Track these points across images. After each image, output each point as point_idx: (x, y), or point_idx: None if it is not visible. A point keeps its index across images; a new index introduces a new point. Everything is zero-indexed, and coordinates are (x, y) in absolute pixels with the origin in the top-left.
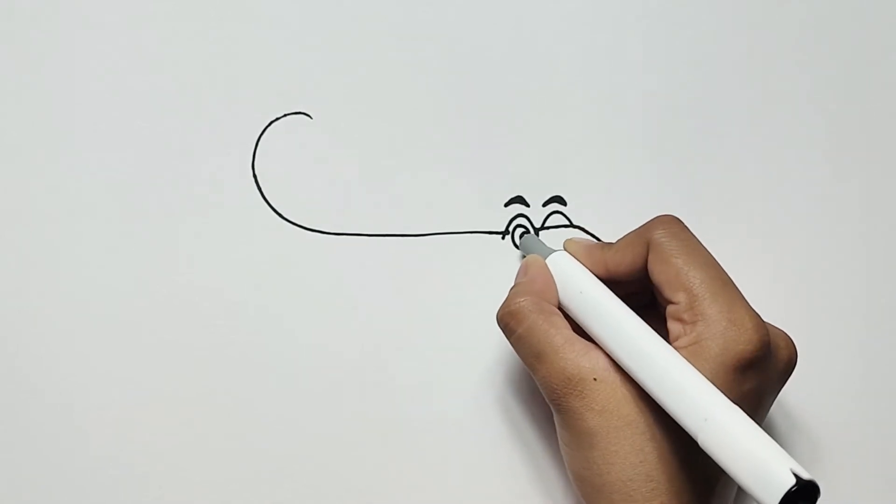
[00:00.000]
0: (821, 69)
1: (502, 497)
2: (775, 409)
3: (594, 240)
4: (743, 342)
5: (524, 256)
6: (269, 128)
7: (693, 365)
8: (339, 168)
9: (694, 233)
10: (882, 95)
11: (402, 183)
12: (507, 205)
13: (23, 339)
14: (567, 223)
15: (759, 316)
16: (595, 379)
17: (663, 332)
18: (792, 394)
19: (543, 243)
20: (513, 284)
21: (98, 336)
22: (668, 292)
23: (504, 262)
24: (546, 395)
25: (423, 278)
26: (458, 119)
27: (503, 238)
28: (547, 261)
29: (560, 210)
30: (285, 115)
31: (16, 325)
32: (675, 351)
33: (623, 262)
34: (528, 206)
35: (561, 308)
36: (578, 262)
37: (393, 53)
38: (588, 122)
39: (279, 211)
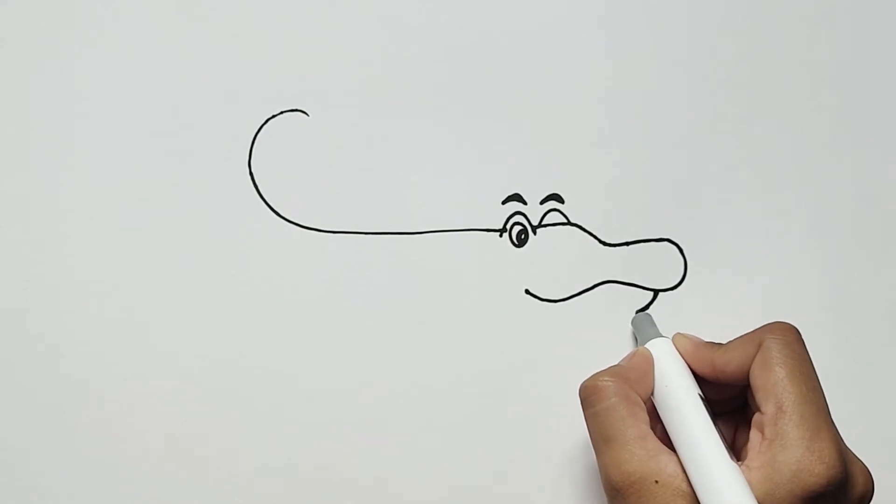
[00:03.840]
0: (820, 69)
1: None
2: None
3: (701, 338)
4: (816, 474)
5: (634, 334)
6: (266, 125)
7: (761, 486)
8: (335, 166)
9: (807, 350)
10: (882, 95)
11: (398, 181)
12: (504, 202)
13: (22, 340)
14: (564, 221)
15: (840, 448)
16: (656, 482)
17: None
18: None
19: (655, 325)
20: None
21: (94, 334)
22: (760, 399)
23: (501, 259)
24: (603, 483)
25: (421, 276)
26: (455, 117)
27: (500, 236)
28: (648, 345)
29: (557, 208)
30: (282, 113)
31: (15, 325)
32: (736, 468)
33: (731, 363)
34: (525, 203)
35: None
36: (678, 355)
37: (390, 50)
38: (586, 119)
39: (275, 209)
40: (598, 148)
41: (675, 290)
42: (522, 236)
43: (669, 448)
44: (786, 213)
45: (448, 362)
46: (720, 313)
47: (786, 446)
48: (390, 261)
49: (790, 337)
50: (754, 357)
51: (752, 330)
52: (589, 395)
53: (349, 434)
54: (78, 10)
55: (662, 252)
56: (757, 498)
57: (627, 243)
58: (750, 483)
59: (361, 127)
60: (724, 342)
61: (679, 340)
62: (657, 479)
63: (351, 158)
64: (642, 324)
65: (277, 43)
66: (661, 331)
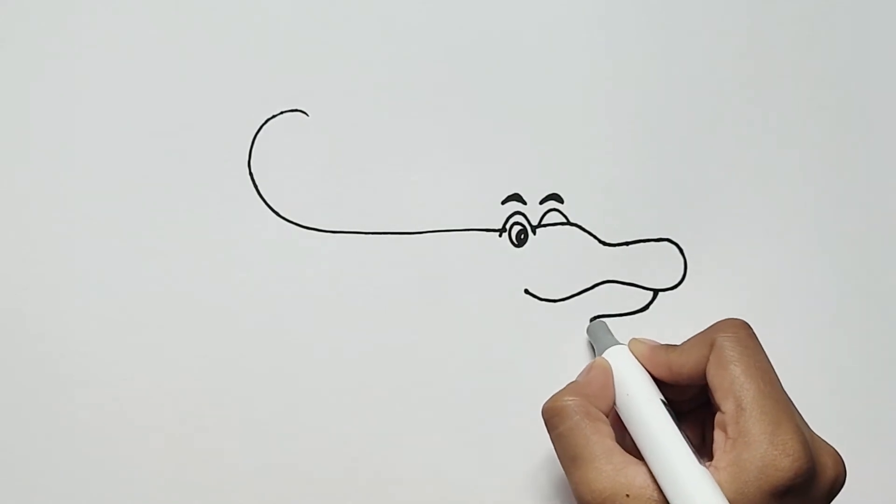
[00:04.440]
0: (820, 69)
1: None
2: None
3: (656, 341)
4: (783, 468)
5: (591, 342)
6: (266, 125)
7: (730, 485)
8: (335, 166)
9: (760, 343)
10: (882, 95)
11: (398, 180)
12: (504, 202)
13: (22, 340)
14: (564, 221)
15: (803, 439)
16: (627, 495)
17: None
18: None
19: (610, 333)
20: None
21: (94, 334)
22: (719, 399)
23: (501, 259)
24: (576, 501)
25: (421, 276)
26: (454, 116)
27: (500, 236)
28: (604, 354)
29: (557, 208)
30: (282, 113)
31: (15, 325)
32: (705, 471)
33: (687, 364)
34: (524, 203)
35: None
36: (636, 362)
37: (390, 50)
38: (586, 119)
39: (275, 209)
40: (598, 148)
41: (675, 290)
42: (522, 236)
43: (638, 457)
44: (786, 213)
45: (448, 362)
46: (720, 313)
47: (749, 444)
48: (390, 261)
49: (741, 333)
50: (708, 357)
51: (703, 330)
52: (551, 417)
53: (349, 434)
54: (78, 10)
55: (662, 252)
56: (728, 498)
57: (627, 243)
58: (719, 483)
59: (361, 127)
60: (678, 343)
61: (635, 346)
62: (628, 492)
63: (351, 158)
64: (598, 332)
65: (277, 43)
66: (645, 334)
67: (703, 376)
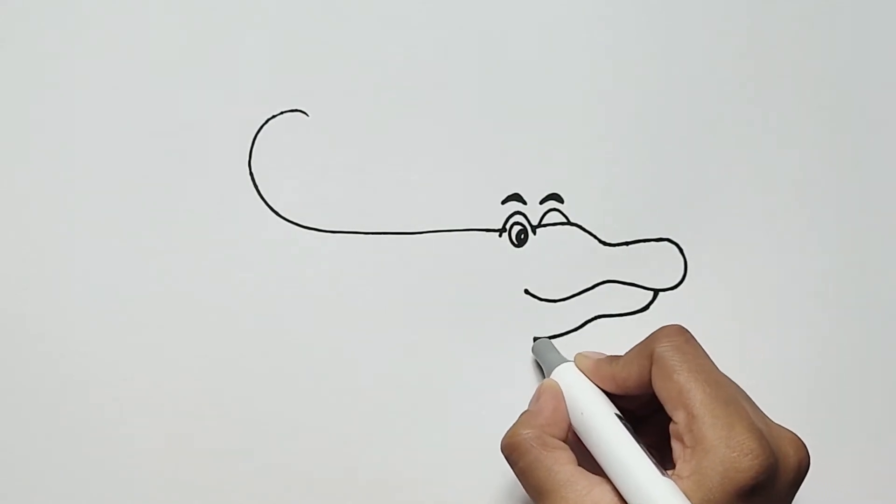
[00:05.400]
0: (820, 69)
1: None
2: None
3: (603, 353)
4: (744, 469)
5: (537, 362)
6: (266, 125)
7: (696, 494)
8: (335, 166)
9: (700, 344)
10: (882, 95)
11: (398, 181)
12: (504, 202)
13: (22, 340)
14: (564, 221)
15: (760, 435)
16: None
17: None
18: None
19: (556, 350)
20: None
21: (94, 334)
22: (670, 410)
23: (501, 259)
24: None
25: (421, 276)
26: (455, 116)
27: (500, 236)
28: (553, 375)
29: (557, 207)
30: (282, 113)
31: (15, 325)
32: (669, 483)
33: (630, 377)
34: (525, 203)
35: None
36: (584, 378)
37: (390, 50)
38: (586, 119)
39: (275, 209)
40: (598, 148)
41: (675, 290)
42: (522, 236)
43: (603, 474)
44: (786, 213)
45: (448, 362)
46: (720, 313)
47: (707, 450)
48: (390, 261)
49: (679, 340)
50: (650, 369)
51: (641, 340)
52: (511, 453)
53: (349, 434)
54: (78, 10)
55: (662, 252)
56: None
57: (627, 243)
58: (685, 492)
59: (361, 127)
60: (622, 354)
61: (581, 361)
62: None
63: (351, 158)
64: (543, 351)
65: (277, 43)
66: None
67: (650, 386)
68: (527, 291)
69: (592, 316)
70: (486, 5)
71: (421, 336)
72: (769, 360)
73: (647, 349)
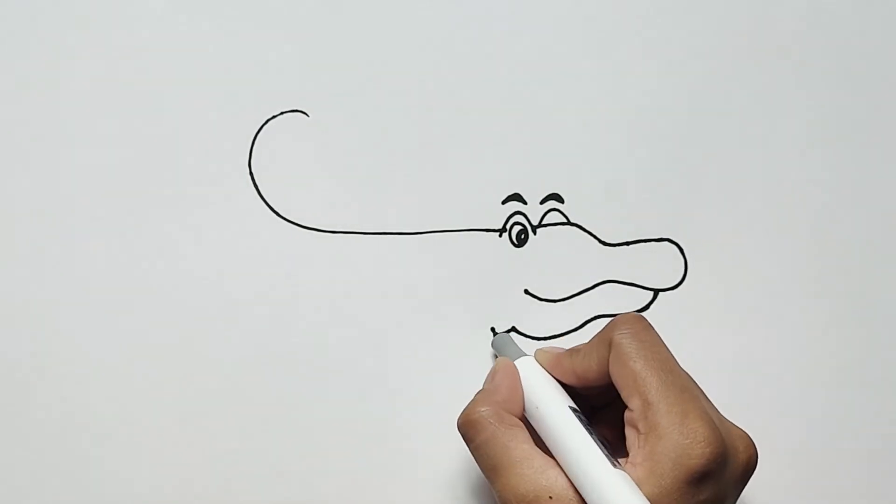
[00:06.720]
0: (820, 69)
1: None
2: None
3: (561, 348)
4: (696, 456)
5: (496, 355)
6: (266, 126)
7: (648, 480)
8: (335, 166)
9: (658, 333)
10: (882, 95)
11: (398, 181)
12: (504, 202)
13: (22, 340)
14: (564, 221)
15: (712, 424)
16: (550, 497)
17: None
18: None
19: (515, 344)
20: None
21: (94, 334)
22: (625, 396)
23: (501, 259)
24: None
25: (420, 276)
26: (454, 116)
27: (500, 236)
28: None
29: (557, 207)
30: (282, 114)
31: (15, 325)
32: (621, 474)
33: (590, 368)
34: (525, 203)
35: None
36: (543, 372)
37: (389, 50)
38: (586, 119)
39: (275, 209)
40: (598, 148)
41: (675, 290)
42: (522, 236)
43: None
44: (786, 213)
45: (448, 362)
46: (720, 313)
47: (660, 437)
48: (390, 261)
49: (637, 327)
50: (609, 357)
51: (600, 330)
52: (468, 430)
53: (349, 434)
54: (77, 9)
55: (662, 252)
56: (647, 494)
57: (627, 243)
58: (637, 480)
59: (361, 127)
60: (580, 347)
61: (540, 356)
62: (551, 494)
63: (351, 158)
64: (503, 345)
65: (278, 43)
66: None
67: (608, 377)
68: (527, 291)
69: (592, 316)
70: (487, 5)
71: (420, 336)
72: (769, 359)
73: (605, 337)
